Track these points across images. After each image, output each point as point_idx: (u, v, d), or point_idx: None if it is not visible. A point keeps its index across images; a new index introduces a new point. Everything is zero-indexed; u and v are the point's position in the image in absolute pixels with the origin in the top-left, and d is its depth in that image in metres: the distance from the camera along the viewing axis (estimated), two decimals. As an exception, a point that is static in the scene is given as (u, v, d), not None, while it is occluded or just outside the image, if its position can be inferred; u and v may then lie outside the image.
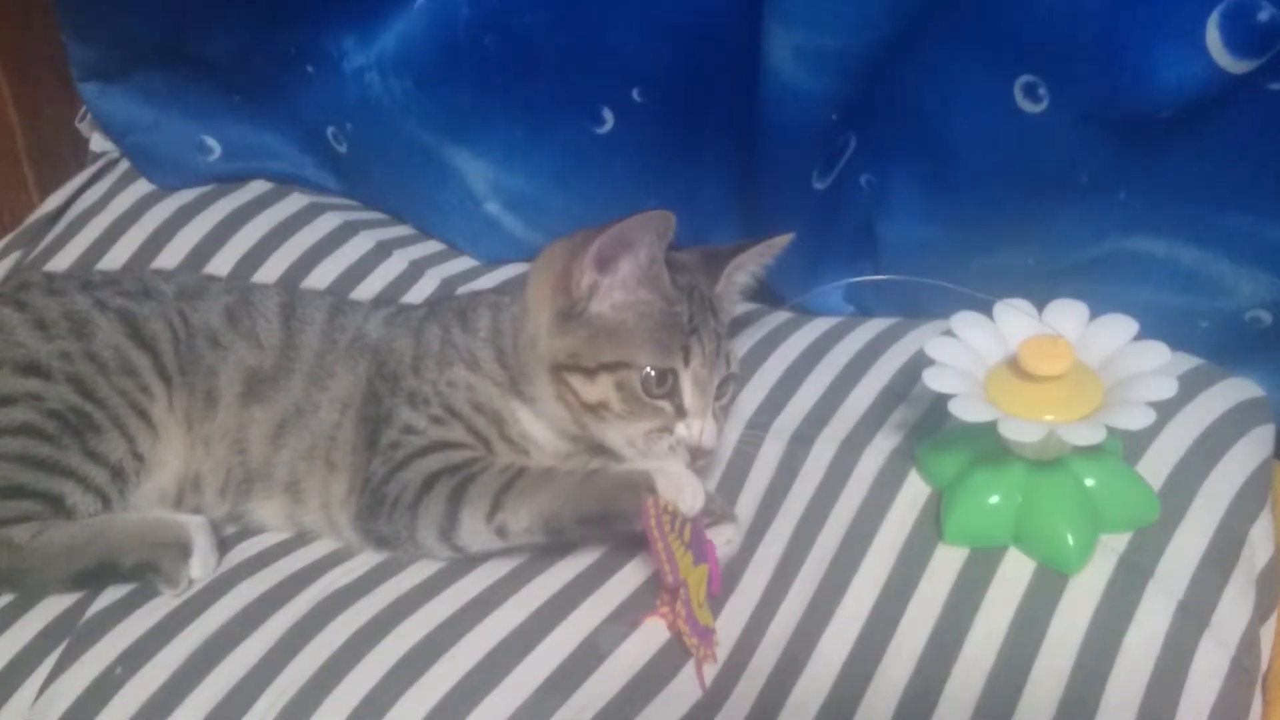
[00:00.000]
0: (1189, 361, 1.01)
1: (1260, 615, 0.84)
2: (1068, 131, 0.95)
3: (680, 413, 0.92)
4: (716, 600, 0.88)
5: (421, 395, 0.98)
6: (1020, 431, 0.79)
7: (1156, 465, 0.90)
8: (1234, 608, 0.83)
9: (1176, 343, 1.00)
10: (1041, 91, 0.94)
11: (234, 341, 1.02)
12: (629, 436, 0.93)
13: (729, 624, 0.88)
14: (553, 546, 0.92)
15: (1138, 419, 0.78)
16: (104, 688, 0.85)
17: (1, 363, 0.96)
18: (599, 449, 0.96)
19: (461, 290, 1.20)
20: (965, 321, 0.88)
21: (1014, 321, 0.87)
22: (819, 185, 1.08)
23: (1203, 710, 0.77)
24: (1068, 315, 0.87)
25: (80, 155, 1.38)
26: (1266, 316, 1.02)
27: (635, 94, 1.14)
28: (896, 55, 0.97)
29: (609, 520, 0.88)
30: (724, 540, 0.93)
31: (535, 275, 0.97)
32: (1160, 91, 0.90)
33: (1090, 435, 0.78)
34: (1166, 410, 0.93)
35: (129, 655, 0.87)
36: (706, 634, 0.85)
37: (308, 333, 1.04)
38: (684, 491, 0.88)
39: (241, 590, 0.92)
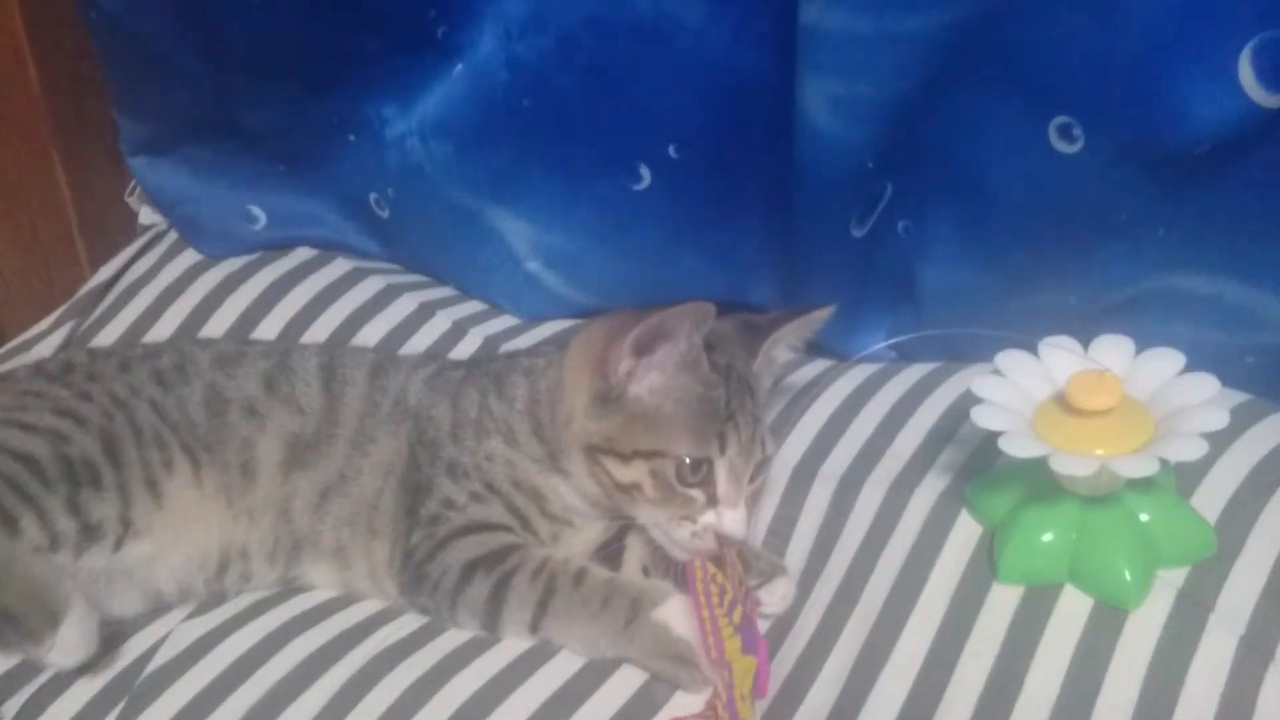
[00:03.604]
0: (1236, 397, 1.00)
1: (1325, 649, 0.83)
2: (1104, 170, 0.96)
3: (712, 501, 0.91)
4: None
5: (461, 467, 0.97)
6: (1073, 466, 0.79)
7: (1210, 500, 0.89)
8: (1298, 641, 0.81)
9: (1222, 379, 0.99)
10: (1076, 132, 0.95)
11: (272, 409, 1.02)
12: (656, 519, 0.92)
13: (780, 664, 0.88)
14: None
15: (1191, 450, 0.78)
16: (163, 746, 0.85)
17: (42, 407, 0.98)
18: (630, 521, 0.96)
19: (502, 348, 1.21)
20: (1011, 359, 0.88)
21: (1060, 358, 0.87)
22: (857, 233, 1.09)
23: (1272, 746, 0.76)
24: (1114, 350, 0.87)
25: (130, 228, 1.41)
26: (1313, 349, 1.02)
27: (671, 151, 1.15)
28: (931, 101, 0.98)
29: (648, 672, 0.87)
30: (779, 596, 0.92)
31: (573, 356, 0.96)
32: (1195, 128, 0.91)
33: (1143, 467, 0.78)
34: (1217, 445, 0.92)
35: (186, 713, 0.87)
36: None
37: (349, 395, 1.04)
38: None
39: (296, 646, 0.92)
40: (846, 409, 1.08)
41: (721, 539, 0.90)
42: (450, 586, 0.92)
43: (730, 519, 0.90)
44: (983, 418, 0.84)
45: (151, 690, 0.89)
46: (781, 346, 1.02)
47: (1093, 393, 0.82)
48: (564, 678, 0.87)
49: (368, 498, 1.00)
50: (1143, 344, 0.89)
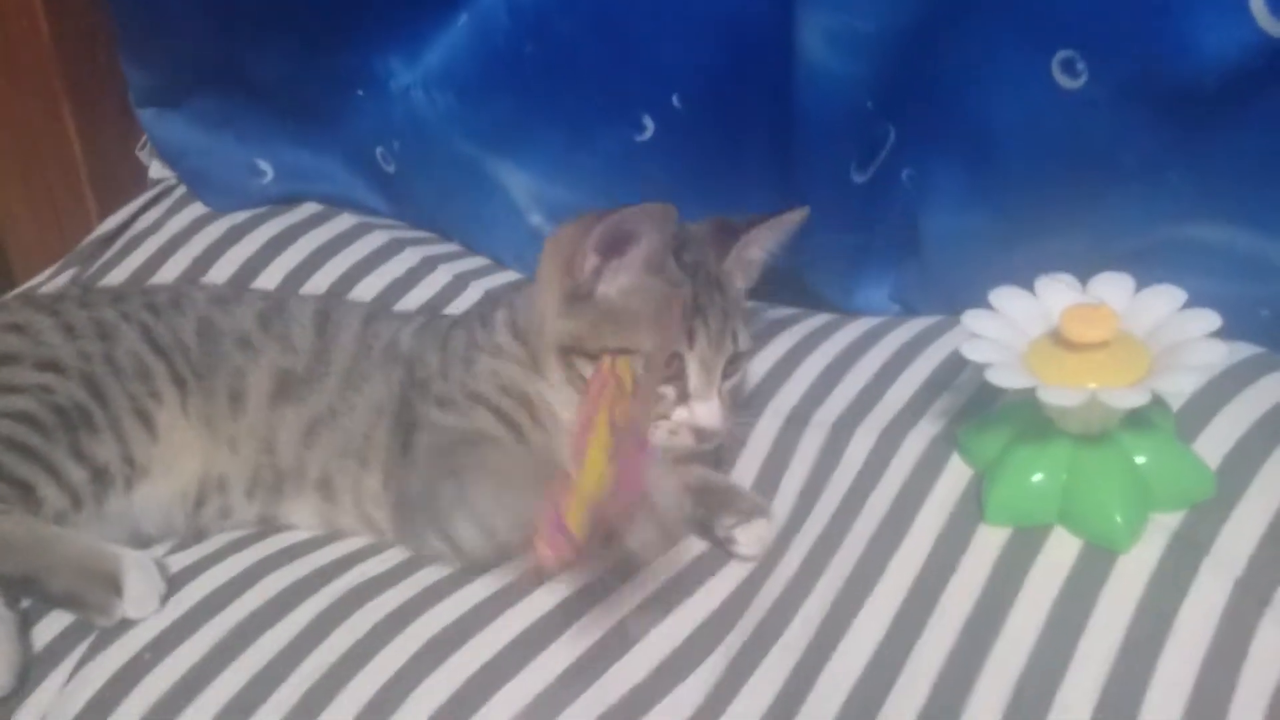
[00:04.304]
0: (1249, 349, 0.96)
1: (1331, 597, 0.79)
2: (1109, 108, 0.93)
3: (684, 396, 0.91)
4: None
5: (450, 397, 0.97)
6: (1061, 397, 0.76)
7: (1214, 445, 0.85)
8: (1299, 586, 0.78)
9: (1236, 333, 0.95)
10: (1080, 66, 0.92)
11: (266, 344, 1.02)
12: None
13: (761, 602, 0.85)
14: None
15: (1183, 382, 0.75)
16: (132, 672, 0.84)
17: (24, 357, 0.97)
18: None
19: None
20: (1007, 296, 0.85)
21: (1056, 294, 0.84)
22: (858, 179, 1.06)
23: (1264, 691, 0.72)
24: (1113, 287, 0.84)
25: (141, 183, 1.41)
26: (1330, 301, 0.98)
27: (675, 100, 1.13)
28: (930, 35, 0.96)
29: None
30: (755, 537, 0.91)
31: (545, 256, 0.96)
32: (1202, 61, 0.87)
33: (1133, 399, 0.75)
34: (1224, 393, 0.89)
35: (157, 642, 0.86)
36: (560, 534, 0.71)
37: (342, 337, 1.04)
38: None
39: (271, 580, 0.91)
40: (844, 358, 1.05)
41: (698, 433, 0.91)
42: (444, 505, 0.90)
43: (703, 411, 0.91)
44: (972, 351, 0.81)
45: (123, 622, 0.88)
46: (756, 248, 1.00)
47: (1086, 325, 0.79)
48: (538, 613, 0.85)
49: (360, 430, 0.99)
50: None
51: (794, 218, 0.98)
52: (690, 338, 0.91)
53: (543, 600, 0.86)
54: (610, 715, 0.78)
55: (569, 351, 0.93)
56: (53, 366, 0.97)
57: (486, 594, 0.87)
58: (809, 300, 1.17)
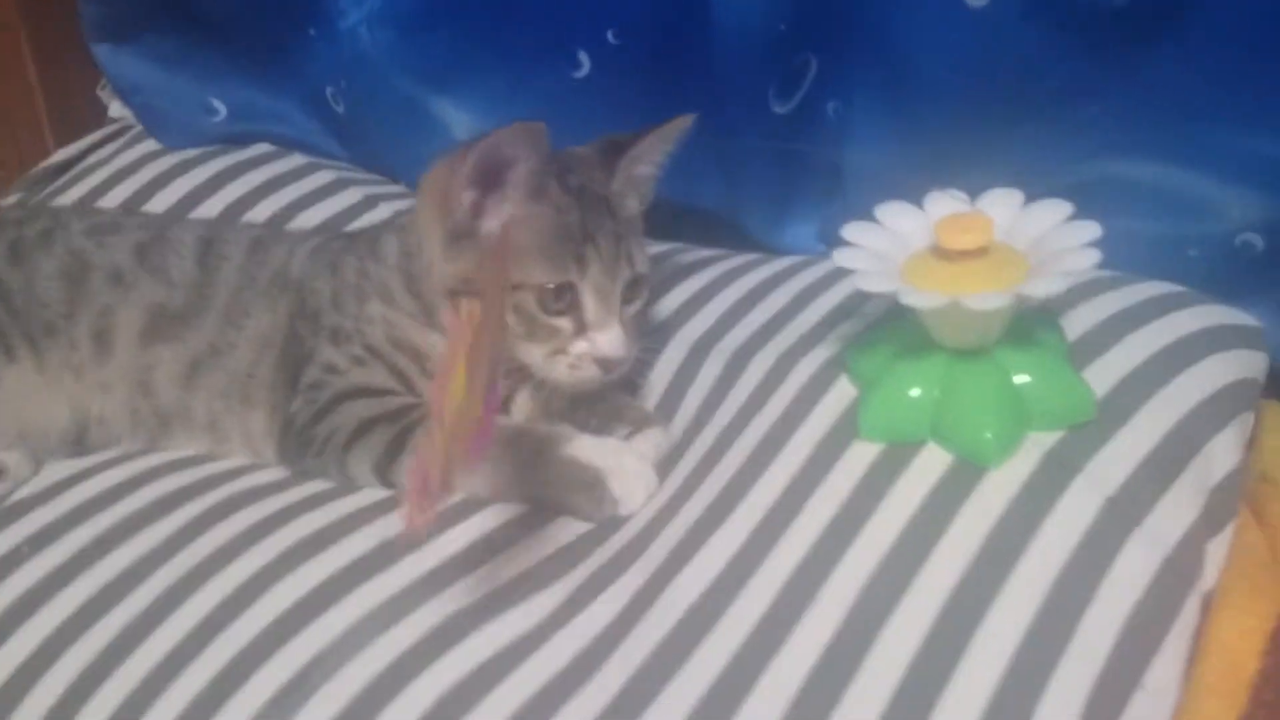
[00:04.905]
0: (1164, 287, 0.93)
1: (1210, 527, 0.76)
2: (1017, 29, 0.91)
3: (581, 328, 0.88)
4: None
5: (344, 332, 0.95)
6: (920, 300, 0.74)
7: (1108, 370, 0.82)
8: (1174, 511, 0.74)
9: (1165, 274, 0.94)
10: (983, -18, 0.90)
11: (139, 279, 1.00)
12: (532, 357, 0.89)
13: (635, 520, 0.85)
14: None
15: (1046, 287, 0.73)
16: (7, 565, 0.85)
17: None
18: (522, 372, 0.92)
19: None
20: (892, 210, 0.83)
21: (943, 207, 0.82)
22: (779, 109, 1.05)
23: (1123, 606, 0.69)
24: (1002, 201, 0.82)
25: (101, 123, 1.43)
26: (1259, 241, 0.96)
27: (610, 36, 1.13)
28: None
29: (562, 511, 0.85)
30: (651, 445, 0.89)
31: (421, 199, 0.93)
32: (1110, -24, 0.86)
33: (994, 301, 0.73)
34: (1128, 324, 0.87)
35: (37, 537, 0.87)
36: (424, 497, 0.70)
37: (224, 269, 1.02)
38: (635, 492, 0.85)
39: (156, 485, 0.91)
40: (756, 292, 1.03)
41: (602, 363, 0.88)
42: (341, 442, 0.90)
43: (604, 340, 0.88)
44: (844, 258, 0.79)
45: (6, 516, 0.89)
46: (644, 164, 0.96)
47: (959, 233, 0.76)
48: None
49: (242, 369, 0.98)
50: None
51: (678, 125, 0.94)
52: (581, 265, 0.88)
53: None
54: (462, 615, 0.77)
55: (457, 294, 0.89)
56: None
57: (358, 505, 0.88)
58: (738, 242, 1.15)
